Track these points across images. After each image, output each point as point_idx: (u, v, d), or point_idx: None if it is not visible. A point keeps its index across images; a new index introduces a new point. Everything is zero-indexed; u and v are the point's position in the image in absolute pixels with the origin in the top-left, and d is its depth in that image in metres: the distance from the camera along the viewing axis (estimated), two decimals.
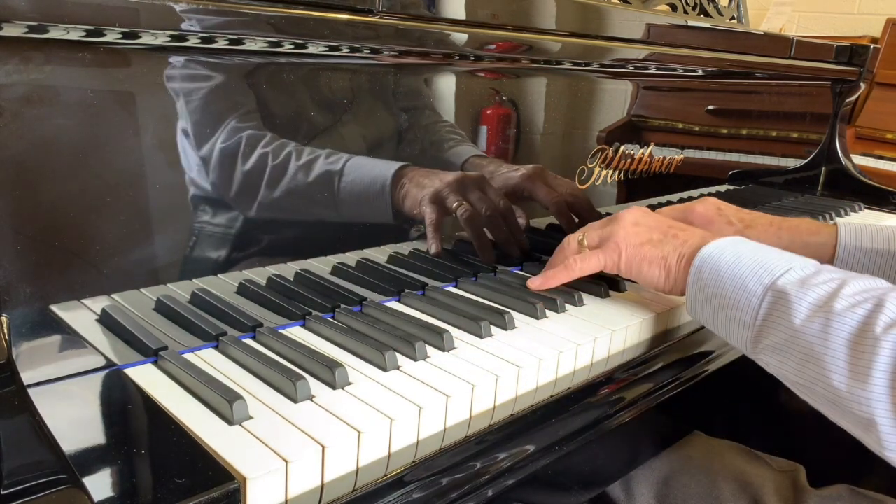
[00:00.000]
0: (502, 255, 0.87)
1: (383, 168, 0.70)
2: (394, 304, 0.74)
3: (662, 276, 0.71)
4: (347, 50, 0.64)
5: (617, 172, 1.01)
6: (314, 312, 0.68)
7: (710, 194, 1.24)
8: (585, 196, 0.95)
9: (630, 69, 0.97)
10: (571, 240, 0.78)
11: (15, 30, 0.46)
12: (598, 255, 0.74)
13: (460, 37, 0.72)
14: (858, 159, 1.96)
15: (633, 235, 0.73)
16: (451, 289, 0.80)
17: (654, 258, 0.71)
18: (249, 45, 0.58)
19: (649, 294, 0.81)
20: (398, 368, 0.59)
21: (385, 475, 0.49)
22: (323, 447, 0.47)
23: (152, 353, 0.57)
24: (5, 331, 0.50)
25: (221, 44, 0.56)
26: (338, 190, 0.67)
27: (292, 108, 0.64)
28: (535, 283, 0.76)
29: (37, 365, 0.52)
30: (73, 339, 0.55)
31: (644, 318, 0.75)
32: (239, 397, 0.50)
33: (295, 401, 0.53)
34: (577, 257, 0.74)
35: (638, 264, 0.72)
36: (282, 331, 0.65)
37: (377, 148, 0.72)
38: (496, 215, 0.82)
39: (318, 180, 0.65)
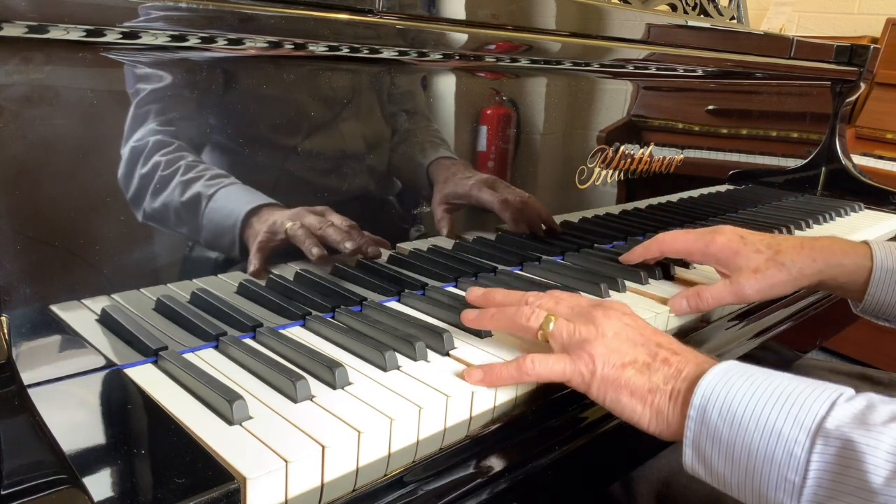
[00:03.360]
0: (501, 257, 0.87)
1: (244, 202, 0.63)
2: (394, 304, 0.74)
3: (648, 415, 0.55)
4: (347, 50, 0.64)
5: (617, 172, 1.00)
6: (314, 312, 0.68)
7: (709, 194, 1.25)
8: (537, 205, 0.91)
9: (630, 69, 0.97)
10: (535, 314, 0.61)
11: (15, 30, 0.46)
12: (564, 363, 0.58)
13: (460, 37, 0.72)
14: (858, 159, 1.96)
15: (614, 352, 0.57)
16: (451, 289, 0.80)
17: (638, 389, 0.55)
18: (250, 45, 0.58)
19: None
20: (398, 368, 0.59)
21: (385, 475, 0.49)
22: (323, 447, 0.47)
23: (152, 353, 0.57)
24: (5, 331, 0.50)
25: (221, 44, 0.56)
26: (202, 214, 0.61)
27: (312, 107, 0.64)
28: (473, 376, 0.58)
29: (37, 365, 0.52)
30: (73, 339, 0.55)
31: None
32: (239, 397, 0.50)
33: (295, 401, 0.53)
34: (538, 359, 0.58)
35: (616, 392, 0.56)
36: (282, 331, 0.65)
37: (359, 151, 0.72)
38: (328, 233, 0.72)
39: (191, 200, 0.60)
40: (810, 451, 0.45)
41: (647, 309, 0.77)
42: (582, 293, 0.78)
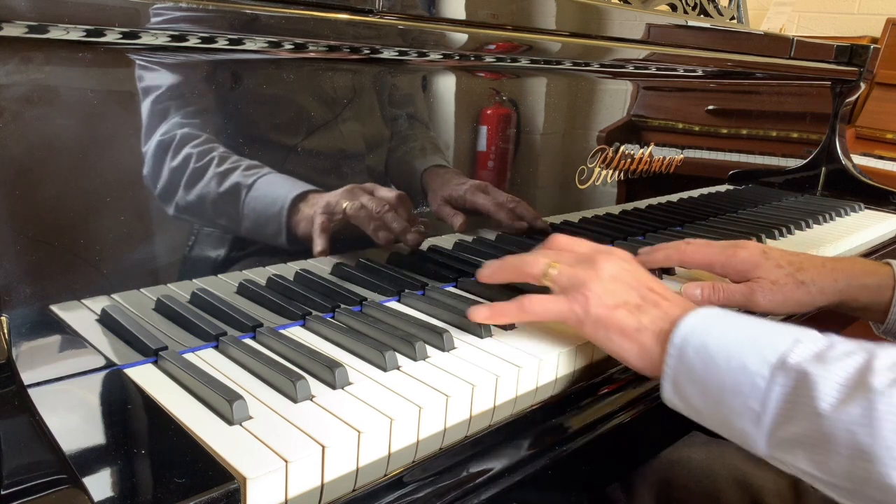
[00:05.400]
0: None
1: (287, 189, 0.65)
2: (394, 304, 0.74)
3: (634, 351, 0.59)
4: (348, 50, 0.65)
5: (617, 172, 1.01)
6: (314, 312, 0.68)
7: (709, 194, 1.25)
8: (528, 207, 0.91)
9: (630, 69, 0.97)
10: (538, 261, 0.66)
11: (15, 30, 0.46)
12: (560, 303, 0.62)
13: (460, 37, 0.72)
14: (858, 159, 1.97)
15: (608, 293, 0.61)
16: (451, 289, 0.80)
17: (627, 328, 0.59)
18: (249, 46, 0.58)
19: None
20: (398, 368, 0.59)
21: (385, 475, 0.49)
22: (323, 447, 0.47)
23: (152, 353, 0.57)
24: (5, 331, 0.50)
25: (222, 44, 0.56)
26: (243, 204, 0.62)
27: (310, 109, 0.64)
28: (479, 314, 0.65)
29: (37, 365, 0.52)
30: (73, 339, 0.55)
31: None
32: (239, 397, 0.50)
33: (295, 401, 0.53)
34: (536, 299, 0.63)
35: (606, 330, 0.60)
36: (282, 331, 0.65)
37: (360, 150, 0.72)
38: (388, 211, 0.75)
39: (229, 191, 0.62)
40: (770, 382, 0.50)
41: None
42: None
